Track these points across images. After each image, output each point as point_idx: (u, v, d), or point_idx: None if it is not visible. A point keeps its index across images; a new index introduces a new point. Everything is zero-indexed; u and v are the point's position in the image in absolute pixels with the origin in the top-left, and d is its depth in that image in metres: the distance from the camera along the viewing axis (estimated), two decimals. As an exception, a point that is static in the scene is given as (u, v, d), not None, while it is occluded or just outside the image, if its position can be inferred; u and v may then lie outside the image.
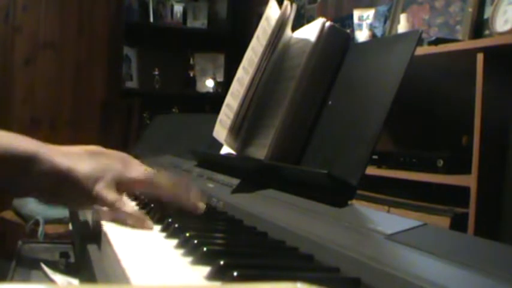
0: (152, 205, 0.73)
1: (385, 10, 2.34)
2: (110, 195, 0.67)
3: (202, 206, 0.73)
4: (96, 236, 0.66)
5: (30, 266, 0.85)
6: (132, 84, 3.80)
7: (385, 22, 2.32)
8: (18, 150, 0.64)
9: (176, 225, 0.59)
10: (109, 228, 0.62)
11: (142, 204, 0.77)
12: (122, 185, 0.70)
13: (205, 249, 0.47)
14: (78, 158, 0.68)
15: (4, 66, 3.52)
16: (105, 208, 0.68)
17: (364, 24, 2.39)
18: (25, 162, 0.64)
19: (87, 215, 0.80)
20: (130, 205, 0.68)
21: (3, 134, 0.65)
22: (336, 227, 0.55)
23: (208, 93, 3.87)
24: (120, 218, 0.65)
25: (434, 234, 0.51)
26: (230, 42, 3.83)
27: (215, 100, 3.22)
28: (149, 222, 0.64)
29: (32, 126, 3.42)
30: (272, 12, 0.87)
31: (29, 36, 3.57)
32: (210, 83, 3.88)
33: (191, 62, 3.91)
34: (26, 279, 0.80)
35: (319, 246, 0.51)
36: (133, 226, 0.64)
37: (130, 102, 3.50)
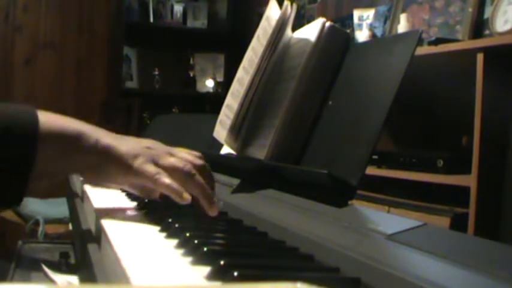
0: (153, 205, 0.73)
1: (385, 10, 2.34)
2: (150, 167, 0.68)
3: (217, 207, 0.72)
4: (96, 235, 0.66)
5: (30, 266, 0.85)
6: (132, 84, 3.80)
7: (385, 22, 2.32)
8: (65, 128, 0.66)
9: (176, 225, 0.59)
10: (109, 227, 0.62)
11: (143, 204, 0.77)
12: (159, 167, 0.70)
13: (205, 249, 0.47)
14: (120, 138, 0.71)
15: (4, 66, 3.52)
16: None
17: (364, 24, 2.39)
18: (72, 139, 0.66)
19: (87, 215, 0.80)
20: (168, 178, 0.68)
21: (48, 114, 0.67)
22: (336, 227, 0.55)
23: (208, 93, 3.87)
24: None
25: (434, 234, 0.51)
26: (230, 42, 3.83)
27: (215, 100, 3.22)
28: (186, 195, 0.66)
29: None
30: (272, 12, 0.87)
31: (29, 36, 3.57)
32: (210, 83, 3.88)
33: (191, 62, 3.91)
34: (26, 279, 0.80)
35: (319, 246, 0.51)
36: (172, 197, 0.66)
37: (130, 102, 3.50)
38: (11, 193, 0.65)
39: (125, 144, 0.69)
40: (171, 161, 0.70)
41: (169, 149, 0.73)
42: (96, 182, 0.75)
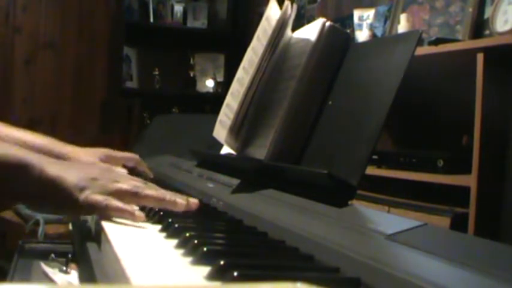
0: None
1: (385, 10, 2.34)
2: (97, 197, 0.68)
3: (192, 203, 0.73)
4: (96, 236, 0.66)
5: (30, 266, 0.85)
6: (132, 84, 3.79)
7: (385, 22, 2.32)
8: (8, 157, 0.66)
9: (176, 225, 0.59)
10: (109, 228, 0.62)
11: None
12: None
13: (205, 249, 0.47)
14: (67, 167, 0.71)
15: (4, 66, 3.52)
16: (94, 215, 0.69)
17: (364, 24, 2.39)
18: (15, 169, 0.65)
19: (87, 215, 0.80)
20: (117, 201, 0.68)
21: None
22: (336, 227, 0.55)
23: (208, 93, 3.87)
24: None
25: (434, 234, 0.51)
26: (230, 42, 3.82)
27: (215, 100, 3.22)
28: (139, 213, 0.66)
29: (32, 126, 3.41)
30: (272, 13, 0.87)
31: (29, 36, 3.57)
32: (210, 83, 3.88)
33: (191, 62, 3.91)
34: (26, 279, 0.80)
35: (319, 246, 0.51)
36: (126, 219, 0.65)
37: (130, 102, 3.50)
38: None
39: (71, 174, 0.69)
40: (117, 186, 0.70)
41: (114, 176, 0.73)
42: (43, 210, 0.75)
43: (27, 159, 0.66)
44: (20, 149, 0.69)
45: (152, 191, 0.72)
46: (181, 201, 0.71)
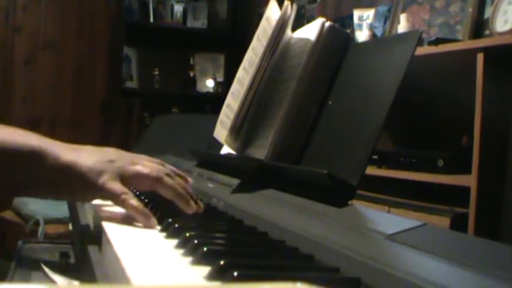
0: (152, 204, 0.73)
1: (385, 10, 2.34)
2: (116, 186, 0.66)
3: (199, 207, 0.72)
4: (96, 236, 0.66)
5: (30, 266, 0.85)
6: (132, 84, 3.79)
7: (385, 22, 2.32)
8: (23, 145, 0.64)
9: (176, 225, 0.59)
10: (109, 228, 0.62)
11: (143, 204, 0.77)
12: (126, 180, 0.69)
13: (205, 249, 0.47)
14: (82, 152, 0.68)
15: (4, 66, 3.52)
16: (109, 202, 0.68)
17: (364, 24, 2.39)
18: (29, 157, 0.64)
19: (87, 215, 0.80)
20: (135, 199, 0.67)
21: (7, 130, 0.66)
22: (336, 227, 0.55)
23: (208, 93, 3.87)
24: (119, 215, 0.65)
25: (434, 234, 0.51)
26: (230, 42, 3.83)
27: (215, 100, 3.22)
28: (153, 220, 0.64)
29: (32, 126, 3.41)
30: (272, 13, 0.87)
31: (29, 36, 3.57)
32: (210, 83, 3.88)
33: (191, 62, 3.91)
34: (26, 279, 0.80)
35: (319, 246, 0.51)
36: (137, 221, 0.64)
37: (130, 102, 3.50)
38: None
39: (87, 159, 0.67)
40: (137, 169, 0.69)
41: (132, 158, 0.71)
42: (60, 198, 0.73)
43: (42, 146, 0.65)
44: (33, 136, 0.67)
45: (171, 181, 0.69)
46: (193, 205, 0.69)
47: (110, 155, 0.70)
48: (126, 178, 0.68)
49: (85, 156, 0.67)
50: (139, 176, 0.68)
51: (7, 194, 0.68)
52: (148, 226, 0.63)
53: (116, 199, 0.66)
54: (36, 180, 0.66)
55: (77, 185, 0.66)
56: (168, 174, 0.71)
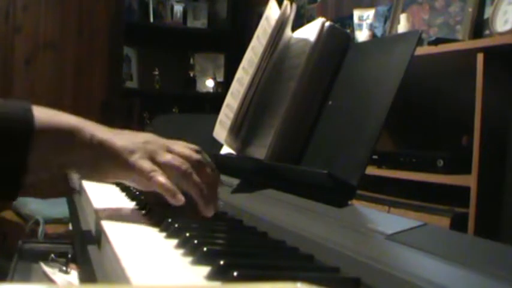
0: (153, 205, 0.73)
1: (385, 10, 2.34)
2: (145, 164, 0.67)
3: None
4: (96, 235, 0.66)
5: (30, 266, 0.85)
6: (132, 84, 3.79)
7: (385, 22, 2.32)
8: (60, 123, 0.66)
9: (176, 225, 0.59)
10: (109, 228, 0.62)
11: (143, 204, 0.77)
12: (156, 164, 0.69)
13: (205, 249, 0.47)
14: (117, 133, 0.70)
15: (4, 66, 3.52)
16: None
17: (364, 24, 2.39)
18: (67, 134, 0.66)
19: (87, 215, 0.80)
20: (163, 176, 0.67)
21: (44, 110, 0.67)
22: (336, 227, 0.55)
23: (208, 93, 3.87)
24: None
25: (434, 234, 0.51)
26: (230, 42, 3.83)
27: (215, 100, 3.22)
28: (180, 196, 0.65)
29: (32, 126, 3.40)
30: (272, 12, 0.87)
31: (29, 36, 3.57)
32: (210, 83, 3.88)
33: (191, 62, 3.91)
34: (26, 279, 0.80)
35: (319, 246, 0.51)
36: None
37: (130, 102, 3.50)
38: (7, 187, 0.65)
39: (121, 139, 0.69)
40: (167, 158, 0.69)
41: (167, 144, 0.71)
42: (92, 177, 0.74)
43: (79, 124, 0.67)
44: (71, 116, 0.69)
45: (198, 179, 0.69)
46: (211, 209, 0.69)
47: (145, 138, 0.71)
48: (156, 162, 0.68)
49: (119, 137, 0.69)
50: (168, 165, 0.68)
51: (46, 172, 0.69)
52: (175, 202, 0.65)
53: (144, 176, 0.67)
54: (74, 158, 0.68)
55: (109, 162, 0.68)
56: (199, 168, 0.70)
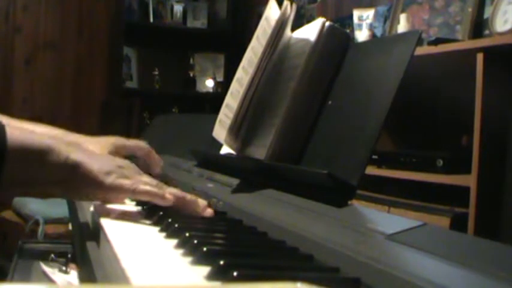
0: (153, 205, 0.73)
1: (385, 10, 2.34)
2: (124, 181, 0.69)
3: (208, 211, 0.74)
4: (95, 235, 0.66)
5: (30, 266, 0.85)
6: (132, 84, 3.80)
7: (385, 22, 2.32)
8: (33, 143, 0.66)
9: (176, 225, 0.59)
10: (108, 228, 0.62)
11: (143, 204, 0.77)
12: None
13: (205, 249, 0.47)
14: (93, 155, 0.72)
15: (4, 66, 3.52)
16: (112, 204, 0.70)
17: (364, 24, 2.39)
18: (38, 154, 0.66)
19: (86, 215, 0.80)
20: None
21: (18, 130, 0.67)
22: (336, 227, 0.55)
23: (208, 93, 3.87)
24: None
25: (434, 234, 0.51)
26: (230, 42, 3.83)
27: (215, 100, 3.22)
28: (169, 199, 0.68)
29: (32, 126, 3.41)
30: (272, 12, 0.87)
31: (29, 36, 3.57)
32: (210, 83, 3.88)
33: (191, 62, 3.91)
34: (25, 278, 0.80)
35: (319, 246, 0.51)
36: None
37: (130, 102, 3.50)
38: None
39: (97, 161, 0.70)
40: (143, 179, 0.72)
41: (139, 171, 0.74)
42: (69, 196, 0.75)
43: (53, 145, 0.68)
44: (48, 136, 0.70)
45: (174, 192, 0.72)
46: (204, 204, 0.72)
47: (120, 162, 0.73)
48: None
49: (95, 158, 0.70)
50: (144, 191, 0.71)
51: (19, 190, 0.70)
52: (164, 204, 0.68)
53: (127, 191, 0.69)
54: (48, 178, 0.68)
55: (84, 183, 0.69)
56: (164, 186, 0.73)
